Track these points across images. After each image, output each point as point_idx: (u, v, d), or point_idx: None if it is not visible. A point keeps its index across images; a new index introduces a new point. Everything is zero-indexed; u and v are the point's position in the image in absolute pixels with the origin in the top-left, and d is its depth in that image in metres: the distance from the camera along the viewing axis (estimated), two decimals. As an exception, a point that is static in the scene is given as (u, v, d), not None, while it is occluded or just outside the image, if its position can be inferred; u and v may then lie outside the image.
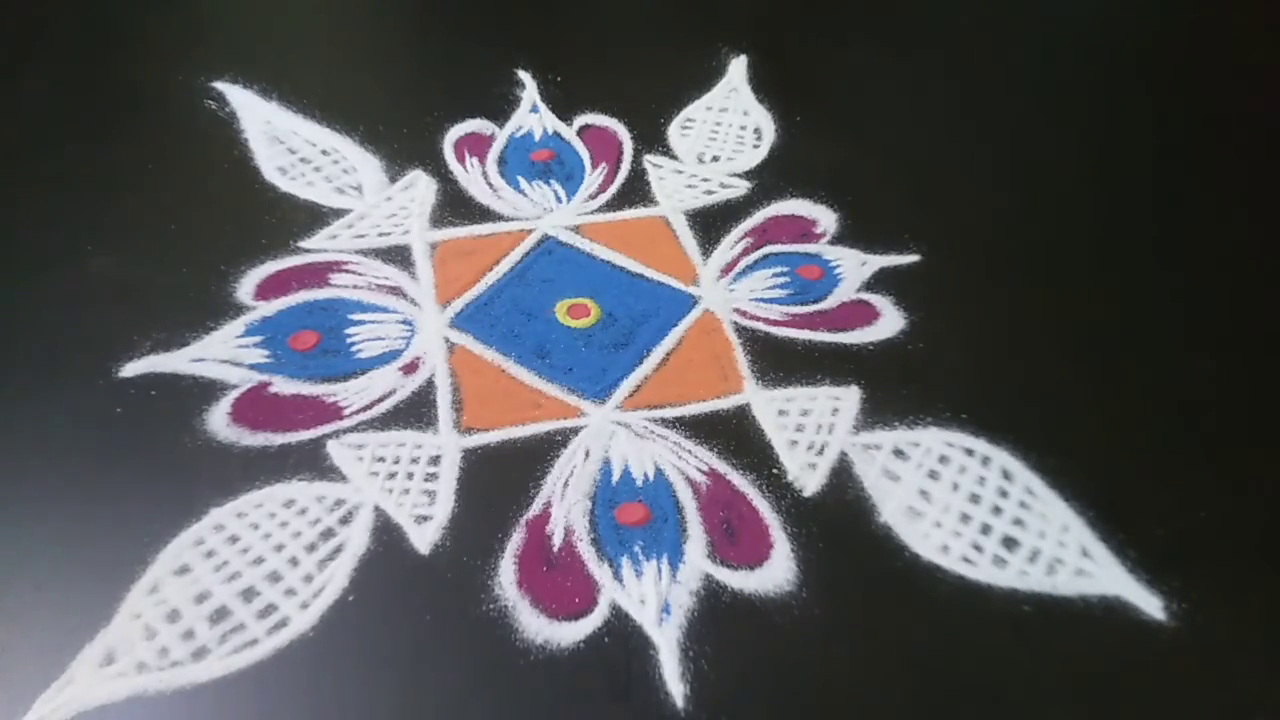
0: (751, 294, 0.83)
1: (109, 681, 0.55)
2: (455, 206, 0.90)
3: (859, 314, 0.82)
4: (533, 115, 1.02)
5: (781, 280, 0.84)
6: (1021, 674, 0.59)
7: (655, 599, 0.61)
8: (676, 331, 0.79)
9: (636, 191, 0.93)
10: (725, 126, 1.02)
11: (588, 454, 0.69)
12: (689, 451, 0.70)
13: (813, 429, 0.72)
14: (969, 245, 0.89)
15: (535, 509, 0.65)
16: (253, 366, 0.74)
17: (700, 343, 0.78)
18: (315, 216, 0.87)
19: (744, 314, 0.81)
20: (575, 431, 0.71)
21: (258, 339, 0.76)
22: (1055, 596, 0.63)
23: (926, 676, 0.59)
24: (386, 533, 0.64)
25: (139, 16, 1.14)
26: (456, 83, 1.06)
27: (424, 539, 0.63)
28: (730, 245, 0.87)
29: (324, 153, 0.94)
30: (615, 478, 0.68)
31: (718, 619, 0.60)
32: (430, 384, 0.74)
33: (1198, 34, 1.26)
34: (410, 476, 0.67)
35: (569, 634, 0.59)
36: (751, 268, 0.85)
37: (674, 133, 1.00)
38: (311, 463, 0.67)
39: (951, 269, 0.86)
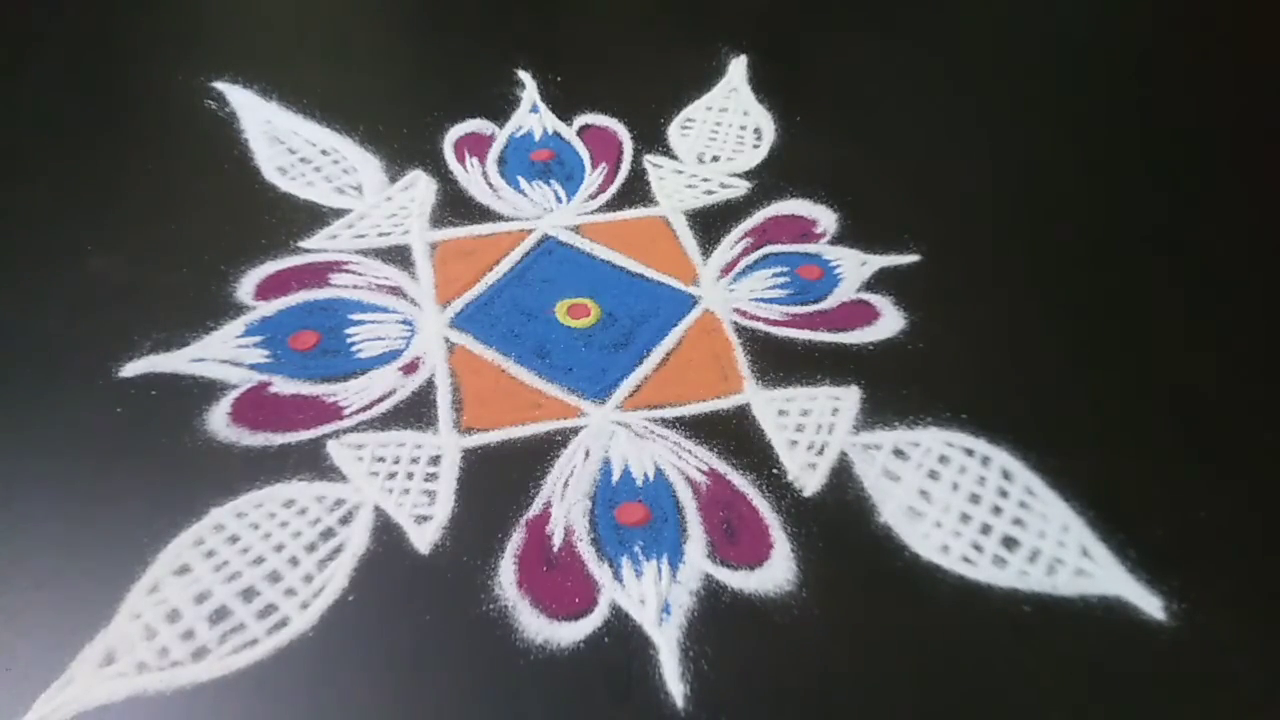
0: (751, 294, 0.83)
1: (109, 681, 0.55)
2: (455, 206, 0.90)
3: (859, 314, 0.82)
4: (533, 115, 1.02)
5: (781, 280, 0.84)
6: (1021, 674, 0.59)
7: (655, 599, 0.61)
8: (676, 331, 0.79)
9: (636, 191, 0.93)
10: (725, 126, 1.02)
11: (588, 454, 0.69)
12: (689, 451, 0.70)
13: (813, 429, 0.72)
14: (969, 245, 0.89)
15: (535, 509, 0.65)
16: (253, 366, 0.74)
17: (700, 343, 0.78)
18: (315, 216, 0.87)
19: (744, 314, 0.81)
20: (575, 431, 0.71)
21: (258, 339, 0.76)
22: (1055, 596, 0.63)
23: (926, 676, 0.59)
24: (386, 533, 0.64)
25: (139, 16, 1.14)
26: (456, 83, 1.06)
27: (424, 539, 0.63)
28: (730, 245, 0.87)
29: (324, 153, 0.94)
30: (615, 478, 0.68)
31: (718, 619, 0.60)
32: (430, 384, 0.74)
33: (1199, 34, 1.26)
34: (410, 476, 0.67)
35: (569, 634, 0.59)
36: (751, 268, 0.85)
37: (674, 133, 1.00)
38: (311, 463, 0.67)
39: (951, 269, 0.86)
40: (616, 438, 0.70)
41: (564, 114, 1.02)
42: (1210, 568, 0.65)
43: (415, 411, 0.72)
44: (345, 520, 0.64)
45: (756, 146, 0.99)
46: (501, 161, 0.96)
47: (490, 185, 0.93)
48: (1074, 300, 0.85)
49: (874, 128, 1.04)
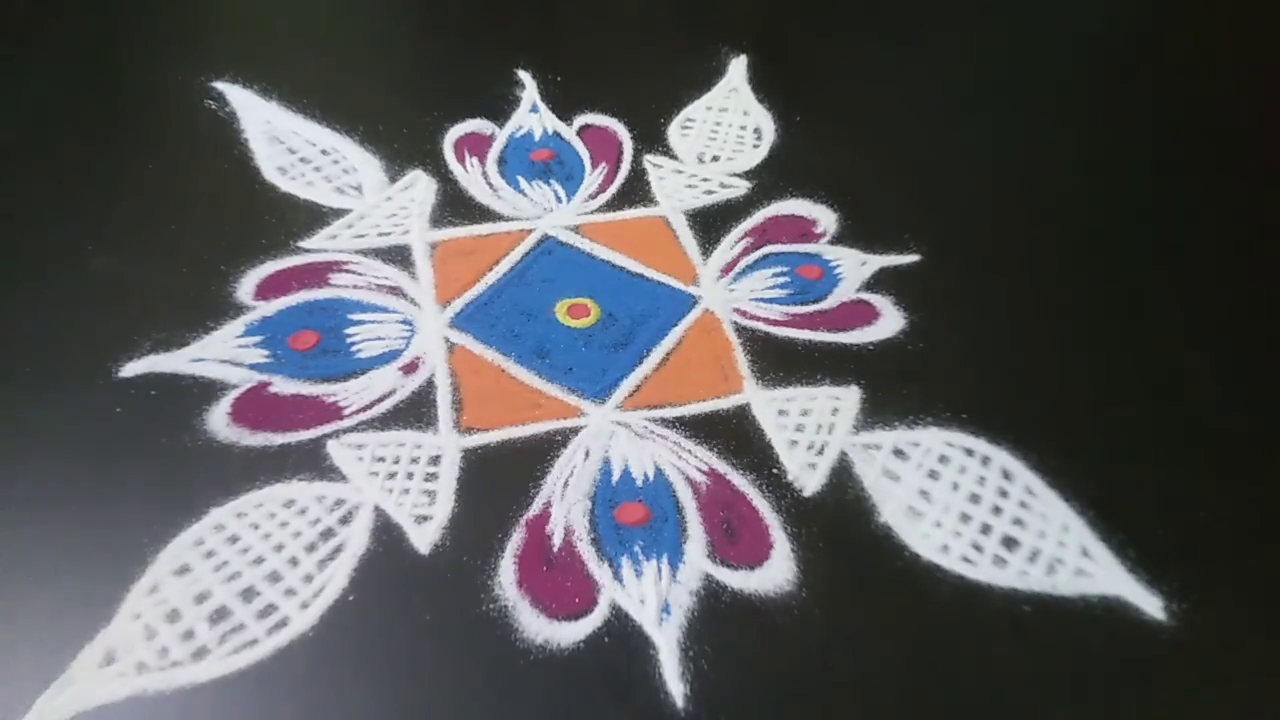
0: (751, 294, 0.83)
1: (109, 682, 0.55)
2: (455, 206, 0.90)
3: (859, 314, 0.82)
4: (533, 115, 1.02)
5: (781, 280, 0.84)
6: (1021, 674, 0.59)
7: (655, 599, 0.61)
8: (676, 331, 0.79)
9: (636, 191, 0.93)
10: (725, 126, 1.02)
11: (588, 454, 0.69)
12: (689, 451, 0.70)
13: (813, 429, 0.72)
14: (969, 245, 0.89)
15: (535, 509, 0.65)
16: (253, 366, 0.74)
17: (700, 343, 0.78)
18: (315, 216, 0.87)
19: (744, 314, 0.81)
20: (575, 431, 0.71)
21: (258, 339, 0.76)
22: (1055, 596, 0.63)
23: (926, 676, 0.59)
24: (386, 533, 0.64)
25: (139, 16, 1.14)
26: (456, 83, 1.06)
27: (424, 539, 0.63)
28: (730, 245, 0.87)
29: (324, 153, 0.94)
30: (615, 478, 0.68)
31: (718, 619, 0.60)
32: (430, 384, 0.74)
33: (1199, 34, 1.26)
34: (410, 476, 0.67)
35: (569, 634, 0.59)
36: (751, 268, 0.85)
37: (674, 133, 1.00)
38: (311, 463, 0.67)
39: (951, 269, 0.86)
40: (616, 438, 0.70)
41: (564, 114, 1.02)
42: (1210, 568, 0.65)
43: (415, 411, 0.72)
44: (345, 520, 0.64)
45: (756, 146, 0.99)
46: (501, 161, 0.96)
47: (490, 185, 0.93)
48: (1074, 300, 0.85)
49: (874, 127, 1.04)
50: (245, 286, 0.80)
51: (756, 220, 0.90)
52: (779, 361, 0.77)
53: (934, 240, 0.88)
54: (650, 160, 0.97)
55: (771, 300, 0.83)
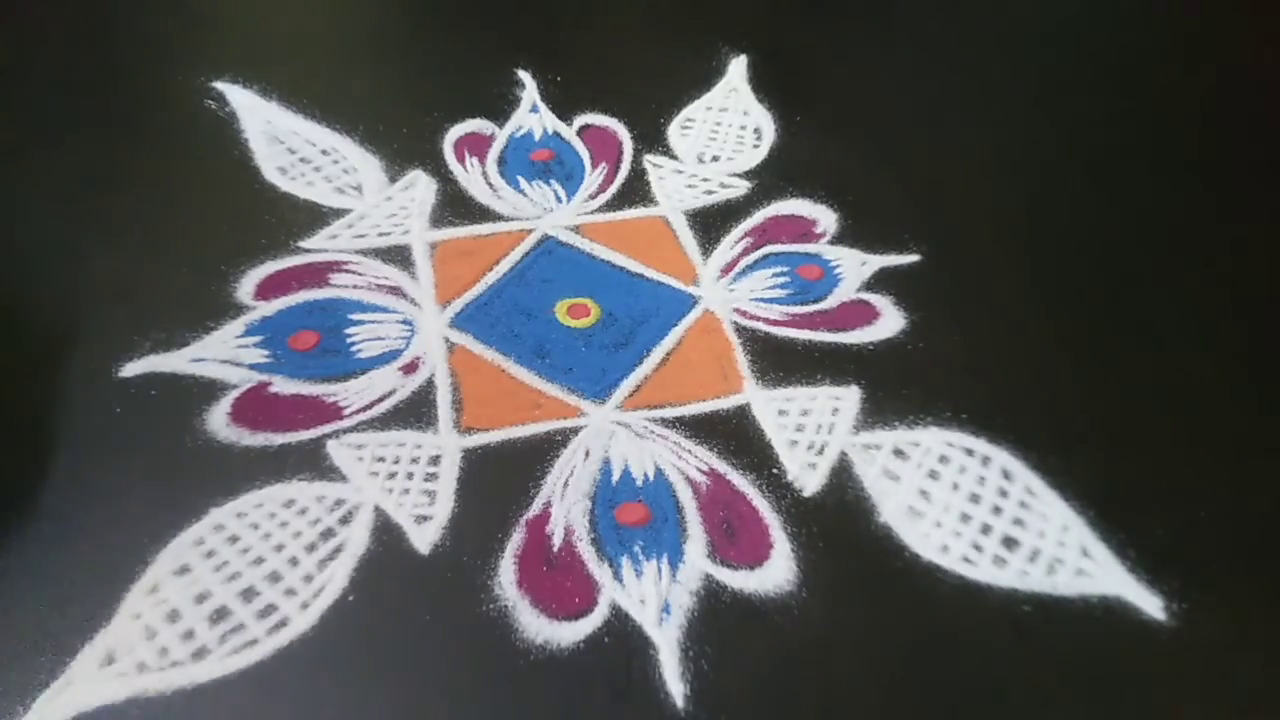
0: (751, 294, 0.83)
1: (109, 682, 0.55)
2: (455, 206, 0.90)
3: (859, 314, 0.82)
4: (533, 115, 1.02)
5: (781, 280, 0.84)
6: (1021, 674, 0.59)
7: (655, 599, 0.61)
8: (676, 331, 0.79)
9: (636, 191, 0.93)
10: (725, 126, 1.02)
11: (588, 454, 0.69)
12: (689, 451, 0.70)
13: (813, 429, 0.72)
14: (969, 245, 0.89)
15: (535, 509, 0.65)
16: (253, 366, 0.74)
17: (700, 343, 0.78)
18: (315, 216, 0.87)
19: (744, 314, 0.81)
20: (575, 431, 0.71)
21: (258, 339, 0.76)
22: (1055, 596, 0.63)
23: (927, 676, 0.59)
24: (386, 533, 0.64)
25: (139, 16, 1.14)
26: (456, 83, 1.06)
27: (424, 539, 0.63)
28: (730, 245, 0.87)
29: (324, 153, 0.94)
30: (615, 478, 0.68)
31: (718, 619, 0.60)
32: (430, 384, 0.74)
33: (1200, 34, 1.26)
34: (410, 476, 0.67)
35: (569, 634, 0.59)
36: (751, 268, 0.85)
37: (674, 133, 1.00)
38: (311, 463, 0.67)
39: (951, 269, 0.86)
40: (616, 438, 0.70)
41: (564, 114, 1.02)
42: (1210, 568, 0.65)
43: (415, 411, 0.71)
44: (345, 520, 0.64)
45: (756, 146, 0.99)
46: (501, 161, 0.96)
47: (490, 185, 0.93)
48: (1074, 300, 0.85)
49: (874, 127, 1.04)
50: (245, 286, 0.80)
51: (756, 220, 0.90)
52: (779, 361, 0.77)
53: (934, 240, 0.88)
54: (650, 160, 0.97)
55: (771, 300, 0.83)
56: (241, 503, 0.64)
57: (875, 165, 0.98)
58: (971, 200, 0.96)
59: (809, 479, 0.69)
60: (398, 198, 0.90)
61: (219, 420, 0.70)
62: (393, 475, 0.67)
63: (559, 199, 0.91)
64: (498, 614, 0.59)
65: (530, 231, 0.88)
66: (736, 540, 0.64)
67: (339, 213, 0.88)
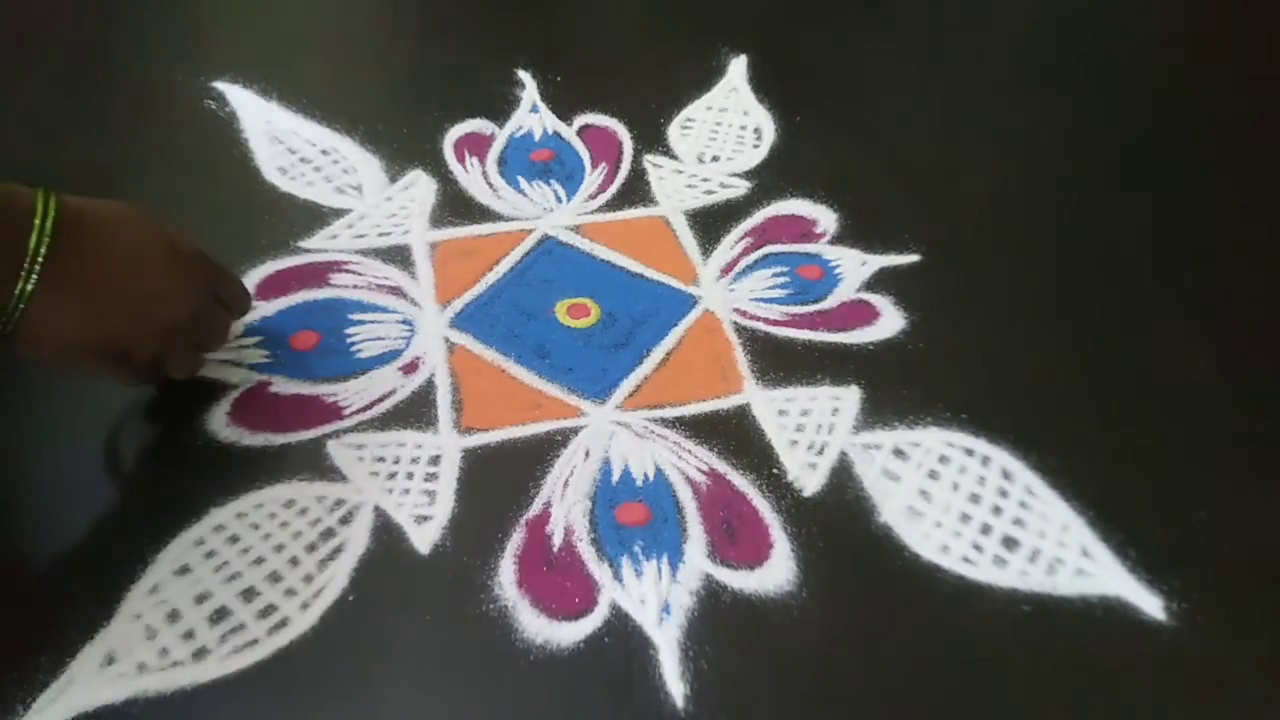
0: (751, 294, 0.83)
1: (109, 682, 0.55)
2: (455, 206, 0.90)
3: (859, 314, 0.82)
4: (533, 115, 1.02)
5: (781, 280, 0.84)
6: (1021, 674, 0.59)
7: (655, 599, 0.61)
8: (676, 331, 0.79)
9: (636, 191, 0.93)
10: (725, 126, 1.02)
11: (588, 454, 0.69)
12: (689, 451, 0.70)
13: (813, 429, 0.72)
14: (969, 245, 0.89)
15: (535, 509, 0.65)
16: (253, 366, 0.74)
17: (700, 343, 0.78)
18: (315, 216, 0.87)
19: (744, 314, 0.81)
20: (575, 431, 0.71)
21: (258, 339, 0.76)
22: (1055, 596, 0.63)
23: (926, 676, 0.59)
24: (386, 533, 0.64)
25: (139, 16, 1.14)
26: (456, 83, 1.06)
27: (424, 539, 0.63)
28: (730, 245, 0.88)
29: (324, 153, 0.94)
30: (615, 478, 0.68)
31: (718, 619, 0.60)
32: (430, 384, 0.74)
33: (1200, 35, 1.26)
34: (410, 476, 0.67)
35: (569, 634, 0.59)
36: (751, 268, 0.86)
37: (674, 133, 1.01)
38: (311, 463, 0.67)
39: (951, 269, 0.86)
40: (617, 438, 0.70)
41: (564, 114, 1.02)
42: (1210, 568, 0.65)
43: (415, 411, 0.72)
44: (345, 520, 0.64)
45: (756, 146, 1.00)
46: (501, 161, 0.96)
47: (490, 185, 0.93)
48: (1074, 300, 0.85)
49: (874, 128, 1.04)
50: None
51: (756, 220, 0.90)
52: (779, 361, 0.77)
53: (934, 240, 0.88)
54: (650, 160, 0.97)
55: (771, 300, 0.83)
56: (241, 503, 0.64)
57: (875, 165, 0.98)
58: (971, 200, 0.96)
59: (809, 479, 0.69)
60: (398, 198, 0.90)
61: (219, 420, 0.70)
62: (393, 475, 0.67)
63: (559, 199, 0.92)
64: (498, 614, 0.59)
65: (530, 231, 0.88)
66: (736, 540, 0.64)
67: (339, 213, 0.88)
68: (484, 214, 0.90)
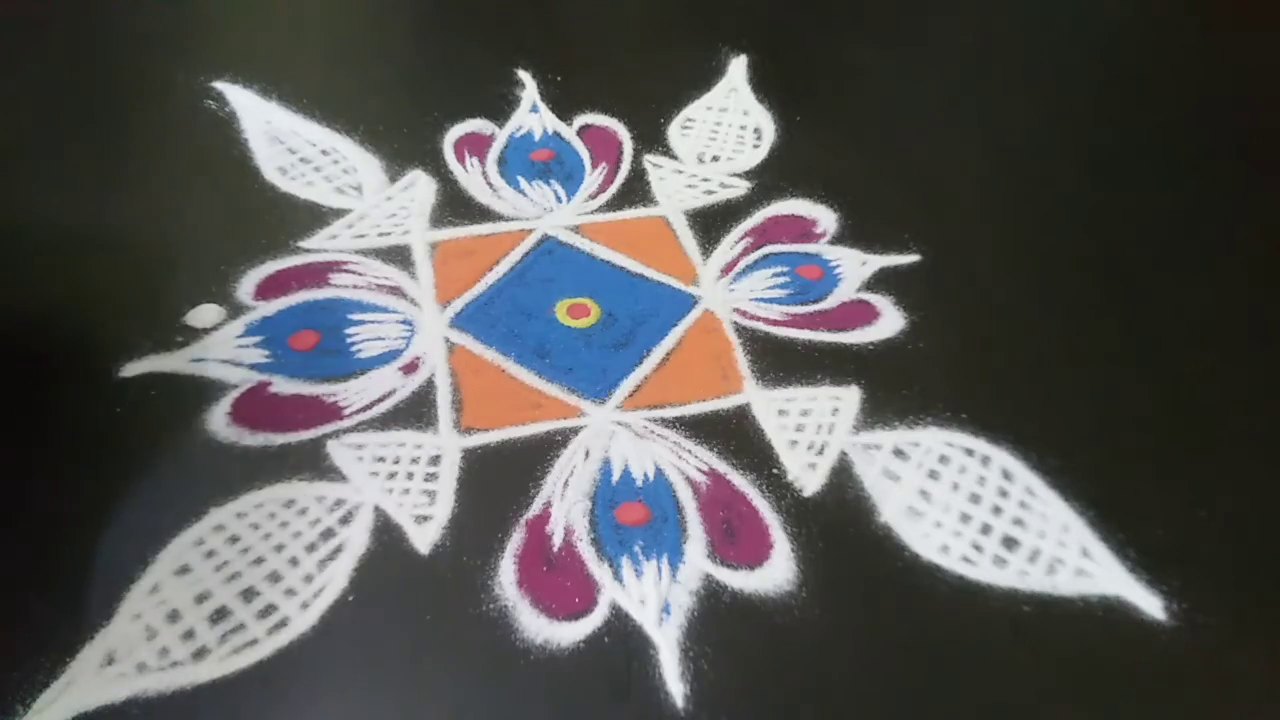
0: (751, 294, 0.83)
1: (109, 682, 0.55)
2: (455, 206, 0.90)
3: (859, 314, 0.82)
4: (533, 115, 1.02)
5: (781, 280, 0.84)
6: (1021, 674, 0.59)
7: (655, 599, 0.61)
8: (676, 331, 0.79)
9: (636, 191, 0.93)
10: (725, 126, 1.02)
11: (588, 454, 0.69)
12: (689, 451, 0.70)
13: (813, 429, 0.72)
14: (969, 245, 0.89)
15: (535, 509, 0.65)
16: (253, 366, 0.74)
17: (700, 343, 0.78)
18: (315, 216, 0.87)
19: (744, 314, 0.81)
20: (575, 431, 0.71)
21: (258, 339, 0.76)
22: (1055, 596, 0.63)
23: (926, 676, 0.59)
24: (386, 533, 0.64)
25: (139, 16, 1.14)
26: (456, 83, 1.06)
27: (424, 539, 0.63)
28: (730, 245, 0.87)
29: (324, 153, 0.94)
30: (615, 478, 0.68)
31: (718, 619, 0.60)
32: (430, 384, 0.74)
33: (1200, 35, 1.26)
34: (410, 476, 0.67)
35: (569, 634, 0.59)
36: (751, 268, 0.85)
37: (674, 133, 1.00)
38: (311, 463, 0.67)
39: (951, 269, 0.86)
40: (617, 438, 0.70)
41: (564, 114, 1.02)
42: (1210, 568, 0.65)
43: (415, 411, 0.71)
44: (345, 520, 0.64)
45: (756, 146, 0.99)
46: (501, 161, 0.96)
47: (490, 185, 0.93)
48: (1074, 300, 0.85)
49: (874, 127, 1.04)
50: (245, 286, 0.80)
51: (756, 220, 0.90)
52: (779, 361, 0.77)
53: (934, 240, 0.88)
54: (650, 160, 0.97)
55: (771, 300, 0.82)
56: (241, 503, 0.64)
57: (875, 165, 0.98)
58: (971, 200, 0.95)
59: (809, 479, 0.68)
60: (398, 198, 0.90)
61: (219, 420, 0.70)
62: (393, 475, 0.67)
63: (559, 199, 0.91)
64: (498, 614, 0.59)
65: (530, 231, 0.88)
66: (736, 540, 0.64)
67: (339, 213, 0.88)
68: (484, 214, 0.89)
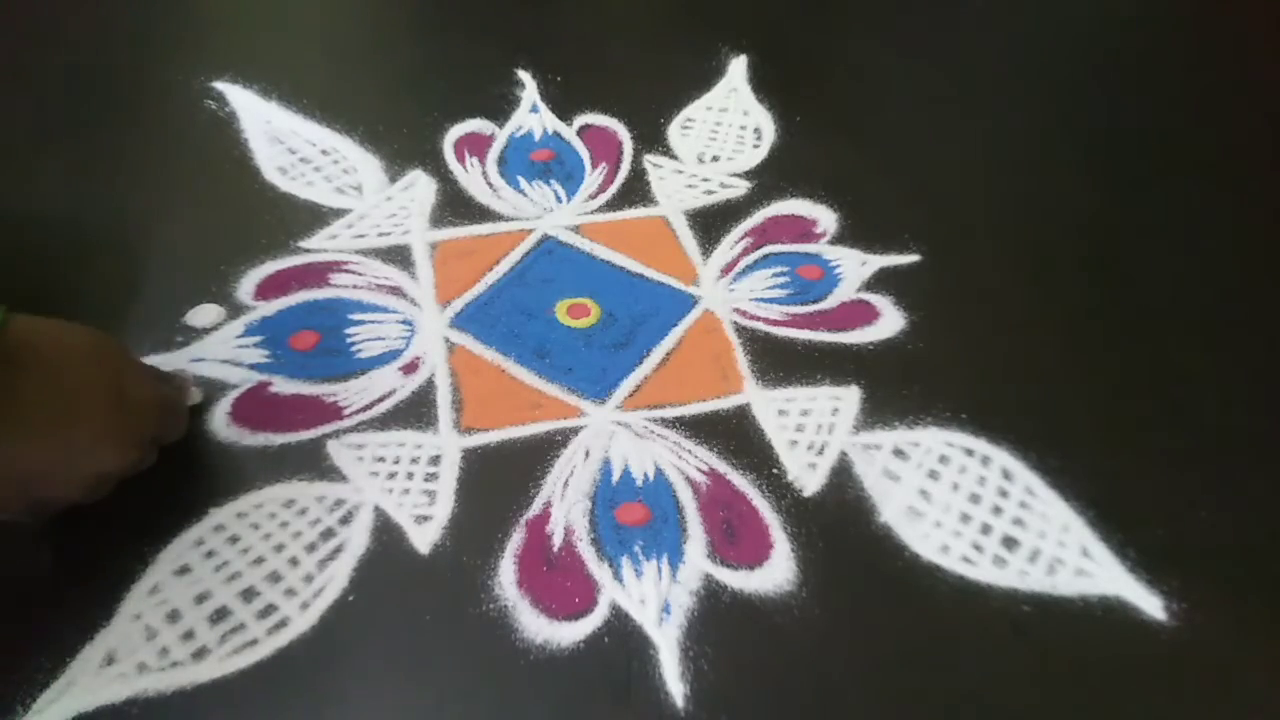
0: (752, 294, 0.83)
1: (109, 683, 0.55)
2: (455, 206, 0.90)
3: (859, 314, 0.82)
4: (533, 115, 1.02)
5: (781, 280, 0.84)
6: (1021, 674, 0.59)
7: (655, 599, 0.61)
8: (676, 331, 0.79)
9: (636, 191, 0.93)
10: (725, 126, 1.02)
11: (588, 454, 0.69)
12: (689, 451, 0.70)
13: (813, 429, 0.72)
14: (969, 245, 0.89)
15: (535, 509, 0.65)
16: (253, 366, 0.74)
17: (700, 343, 0.78)
18: (315, 216, 0.87)
19: (744, 314, 0.81)
20: (575, 431, 0.71)
21: (258, 339, 0.76)
22: (1055, 596, 0.63)
23: (926, 676, 0.59)
24: (386, 533, 0.64)
25: (139, 16, 1.14)
26: (456, 83, 1.06)
27: (424, 539, 0.63)
28: (730, 245, 0.87)
29: (324, 153, 0.94)
30: (615, 478, 0.68)
31: (718, 619, 0.60)
32: (430, 384, 0.74)
33: (1200, 35, 1.26)
34: (410, 476, 0.67)
35: (569, 634, 0.59)
36: (751, 268, 0.86)
37: (674, 133, 1.01)
38: (311, 463, 0.67)
39: (951, 269, 0.86)
40: (617, 438, 0.70)
41: (564, 114, 1.02)
42: (1210, 568, 0.65)
43: (415, 411, 0.72)
44: (345, 520, 0.64)
45: (756, 146, 1.00)
46: (501, 161, 0.96)
47: (490, 185, 0.93)
48: (1074, 300, 0.85)
49: (874, 128, 1.04)
50: (245, 286, 0.80)
51: (756, 220, 0.90)
52: (779, 361, 0.77)
53: (934, 240, 0.88)
54: (650, 160, 0.97)
55: (772, 300, 0.83)
56: (241, 503, 0.65)
57: (875, 165, 0.98)
58: (971, 200, 0.96)
59: (809, 479, 0.69)
60: (398, 198, 0.90)
61: (219, 420, 0.70)
62: (393, 475, 0.67)
63: (559, 199, 0.92)
64: (498, 614, 0.59)
65: (530, 231, 0.88)
66: (736, 540, 0.64)
67: (339, 213, 0.88)
68: (484, 214, 0.90)
